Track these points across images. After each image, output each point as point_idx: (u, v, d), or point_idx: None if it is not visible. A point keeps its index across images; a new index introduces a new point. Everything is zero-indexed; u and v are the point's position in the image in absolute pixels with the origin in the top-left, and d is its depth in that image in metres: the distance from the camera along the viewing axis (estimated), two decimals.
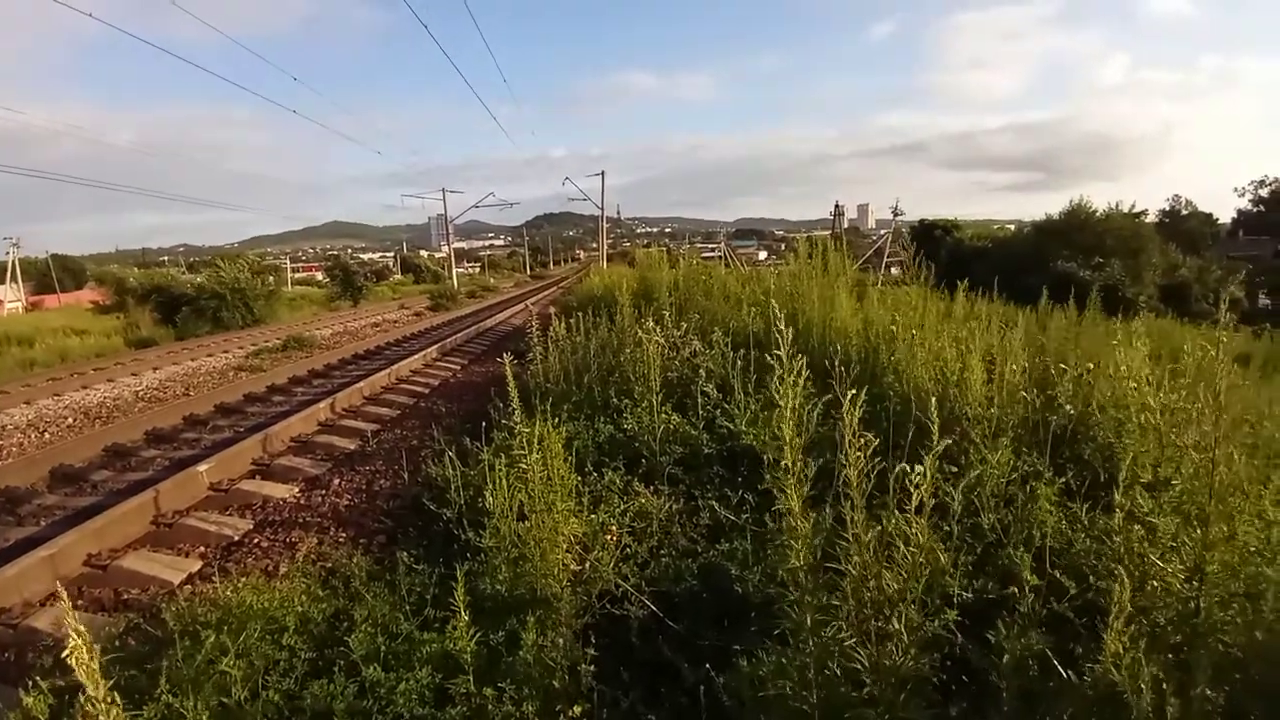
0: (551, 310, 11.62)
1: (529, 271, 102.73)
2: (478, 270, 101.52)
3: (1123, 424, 3.06)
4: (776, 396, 1.81)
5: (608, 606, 2.76)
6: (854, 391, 1.74)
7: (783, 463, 1.81)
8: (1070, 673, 1.84)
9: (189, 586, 3.83)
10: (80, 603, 3.83)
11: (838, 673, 1.82)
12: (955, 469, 2.77)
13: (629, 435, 4.32)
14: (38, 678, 1.69)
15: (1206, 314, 22.59)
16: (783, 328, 1.83)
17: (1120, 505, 2.04)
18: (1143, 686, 1.60)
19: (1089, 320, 5.90)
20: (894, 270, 31.04)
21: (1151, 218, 37.62)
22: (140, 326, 20.58)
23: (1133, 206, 32.32)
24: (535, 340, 5.98)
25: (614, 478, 3.77)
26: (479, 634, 2.27)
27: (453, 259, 56.66)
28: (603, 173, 46.21)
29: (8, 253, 55.60)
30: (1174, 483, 2.27)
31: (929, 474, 1.66)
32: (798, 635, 1.85)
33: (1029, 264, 26.27)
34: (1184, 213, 48.96)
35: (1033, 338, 4.82)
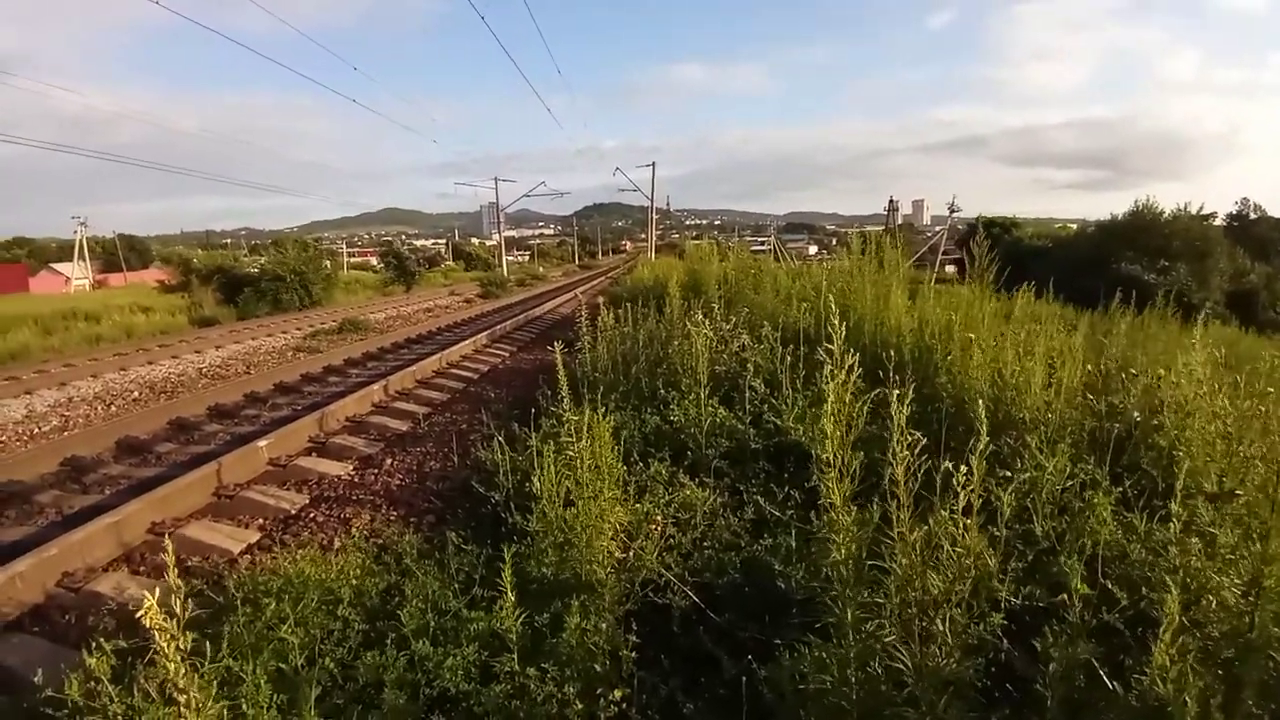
0: (600, 300, 11.67)
1: (577, 261, 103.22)
2: (527, 258, 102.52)
3: (1184, 432, 2.97)
4: (825, 391, 1.82)
5: (650, 595, 2.79)
6: (901, 389, 1.73)
7: (825, 456, 1.81)
8: (1117, 684, 1.80)
9: (248, 556, 3.97)
10: (143, 569, 3.99)
11: (879, 671, 1.82)
12: (1009, 473, 2.73)
13: (675, 427, 4.34)
14: (100, 639, 1.77)
15: (1274, 323, 21.63)
16: (836, 323, 1.83)
17: (1177, 515, 1.99)
18: (1188, 700, 1.57)
19: (1154, 325, 5.71)
20: (949, 268, 30.34)
21: (1219, 221, 36.02)
22: (203, 306, 21.31)
23: (1201, 209, 31.05)
24: (584, 330, 6.03)
25: (660, 468, 3.80)
26: (524, 615, 2.32)
27: (503, 247, 57.31)
28: (653, 164, 46.17)
29: (75, 231, 57.59)
30: (1239, 494, 2.20)
31: (977, 474, 1.64)
32: (840, 631, 1.85)
33: (1091, 265, 25.49)
34: (1253, 216, 46.72)
35: (1094, 342, 4.69)
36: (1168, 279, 24.84)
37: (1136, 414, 3.38)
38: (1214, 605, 1.86)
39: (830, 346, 1.85)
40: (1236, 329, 14.26)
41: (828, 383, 1.83)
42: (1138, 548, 2.49)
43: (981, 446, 1.71)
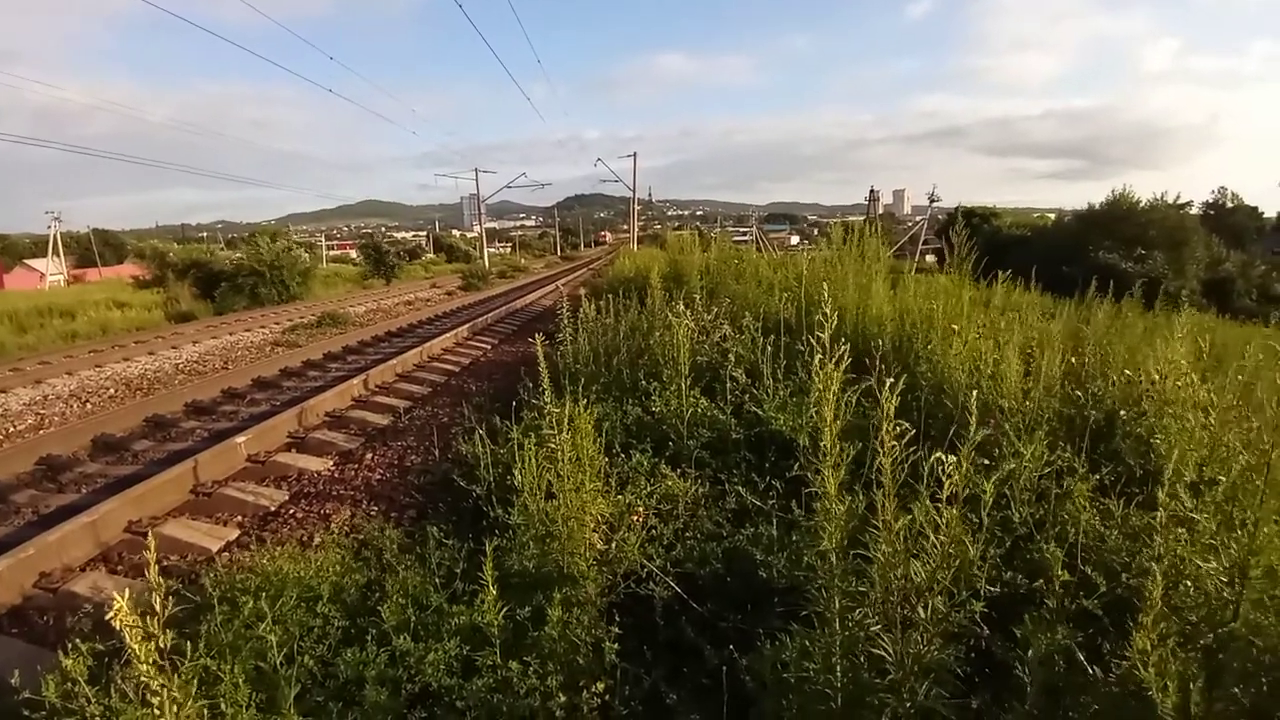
0: (581, 292, 11.62)
1: (559, 253, 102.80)
2: (509, 250, 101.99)
3: (1162, 420, 3.01)
4: (816, 379, 1.81)
5: (632, 586, 2.79)
6: (890, 380, 1.73)
7: (821, 444, 1.81)
8: (1096, 669, 1.82)
9: (226, 554, 3.92)
10: (120, 568, 3.94)
11: (861, 658, 1.83)
12: (987, 461, 2.74)
13: (657, 418, 4.33)
14: (77, 640, 1.74)
15: (1249, 310, 22.01)
16: (829, 312, 1.84)
17: (1163, 502, 2.01)
18: (1169, 684, 1.58)
19: (1131, 314, 5.76)
20: (929, 258, 30.56)
21: (1196, 210, 36.68)
22: (180, 301, 21.00)
23: (1177, 198, 31.50)
24: (565, 321, 6.01)
25: (641, 460, 3.79)
26: (506, 608, 2.31)
27: (484, 239, 56.90)
28: (634, 154, 46.18)
29: (49, 226, 56.52)
30: (1220, 480, 2.22)
31: (964, 464, 1.64)
32: (826, 620, 1.86)
33: (1069, 254, 25.77)
34: (1229, 205, 47.57)
35: (1072, 331, 4.73)
36: (1144, 267, 25.20)
37: (1118, 408, 3.40)
38: (1193, 591, 1.88)
39: (821, 336, 1.85)
40: (1213, 316, 14.46)
41: (819, 372, 1.83)
42: (1115, 533, 2.51)
43: (973, 438, 1.71)
